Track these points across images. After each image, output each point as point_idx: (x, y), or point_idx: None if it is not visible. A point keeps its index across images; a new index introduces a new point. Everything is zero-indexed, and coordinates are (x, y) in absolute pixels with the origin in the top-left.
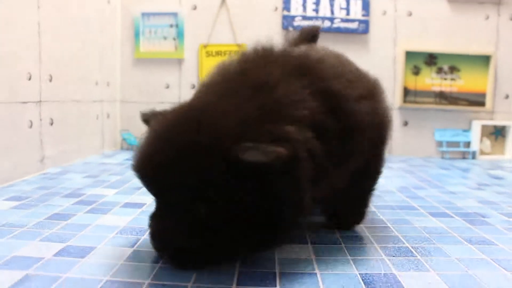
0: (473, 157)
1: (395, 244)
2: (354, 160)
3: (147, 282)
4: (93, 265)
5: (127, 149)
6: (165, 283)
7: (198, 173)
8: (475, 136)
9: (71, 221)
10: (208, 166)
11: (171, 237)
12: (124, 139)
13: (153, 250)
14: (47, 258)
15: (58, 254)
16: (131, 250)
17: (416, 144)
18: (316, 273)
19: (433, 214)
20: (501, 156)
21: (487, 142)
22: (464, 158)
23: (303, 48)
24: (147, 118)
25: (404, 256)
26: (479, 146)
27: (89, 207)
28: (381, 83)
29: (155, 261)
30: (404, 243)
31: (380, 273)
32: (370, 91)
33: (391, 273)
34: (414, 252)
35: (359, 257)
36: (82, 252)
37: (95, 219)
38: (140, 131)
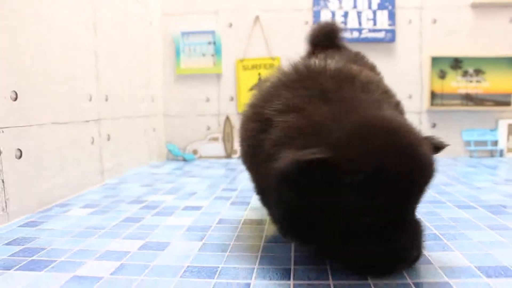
0: (501, 155)
1: (425, 231)
2: None
3: (221, 266)
4: (173, 255)
5: (172, 159)
6: (235, 266)
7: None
8: (502, 134)
9: (143, 223)
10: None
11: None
12: (169, 151)
13: (219, 243)
14: (133, 251)
15: (141, 248)
16: (201, 243)
17: None
18: None
19: (460, 207)
20: None
21: None
22: (492, 156)
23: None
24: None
25: (432, 240)
26: (507, 144)
27: (154, 211)
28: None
29: (224, 250)
30: (432, 230)
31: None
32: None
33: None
34: (441, 237)
35: None
36: (161, 246)
37: (162, 220)
38: (184, 142)
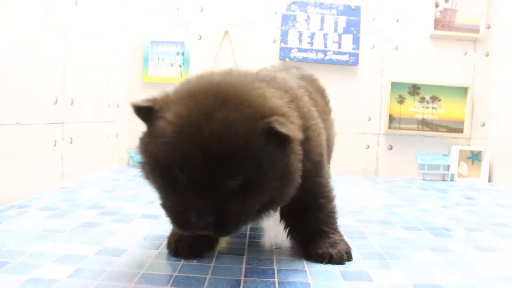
0: (452, 179)
1: (371, 250)
2: None
3: (175, 274)
4: (129, 262)
5: (133, 166)
6: (189, 275)
7: None
8: (453, 160)
9: (101, 229)
10: None
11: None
12: (131, 157)
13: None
14: (90, 256)
15: (98, 253)
16: (157, 251)
17: (400, 166)
18: (306, 270)
19: (406, 228)
20: (477, 178)
21: (465, 166)
22: (443, 180)
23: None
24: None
25: (377, 259)
26: (457, 169)
27: (113, 217)
28: None
29: (178, 260)
30: (377, 250)
31: (356, 270)
32: None
33: (365, 271)
34: (385, 256)
35: None
36: (118, 252)
37: (121, 227)
38: None
